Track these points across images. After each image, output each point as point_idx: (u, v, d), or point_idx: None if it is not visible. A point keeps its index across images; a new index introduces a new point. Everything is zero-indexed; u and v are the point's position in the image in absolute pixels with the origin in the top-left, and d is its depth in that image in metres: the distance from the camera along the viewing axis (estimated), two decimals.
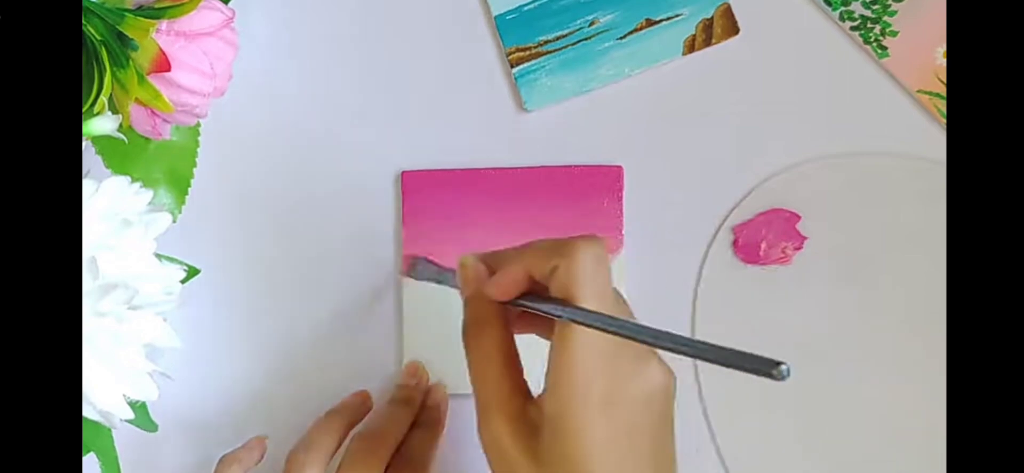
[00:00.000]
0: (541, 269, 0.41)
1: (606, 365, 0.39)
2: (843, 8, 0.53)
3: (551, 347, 0.40)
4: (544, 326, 0.44)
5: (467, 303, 0.44)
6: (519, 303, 0.42)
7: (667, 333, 0.38)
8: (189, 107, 0.45)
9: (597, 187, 0.53)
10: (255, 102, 0.55)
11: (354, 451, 0.49)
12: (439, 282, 0.51)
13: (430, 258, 0.53)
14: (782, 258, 0.53)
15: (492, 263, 0.44)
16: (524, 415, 0.41)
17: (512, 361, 0.43)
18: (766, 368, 0.33)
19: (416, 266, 0.53)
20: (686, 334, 0.53)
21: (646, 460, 0.40)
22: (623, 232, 0.53)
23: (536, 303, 0.41)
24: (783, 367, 0.33)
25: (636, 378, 0.40)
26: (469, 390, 0.53)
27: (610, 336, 0.39)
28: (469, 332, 0.43)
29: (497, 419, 0.41)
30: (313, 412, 0.52)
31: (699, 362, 0.53)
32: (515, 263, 0.42)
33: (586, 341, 0.39)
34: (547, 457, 0.40)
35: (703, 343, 0.37)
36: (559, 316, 0.39)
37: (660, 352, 0.40)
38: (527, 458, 0.40)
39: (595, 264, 0.40)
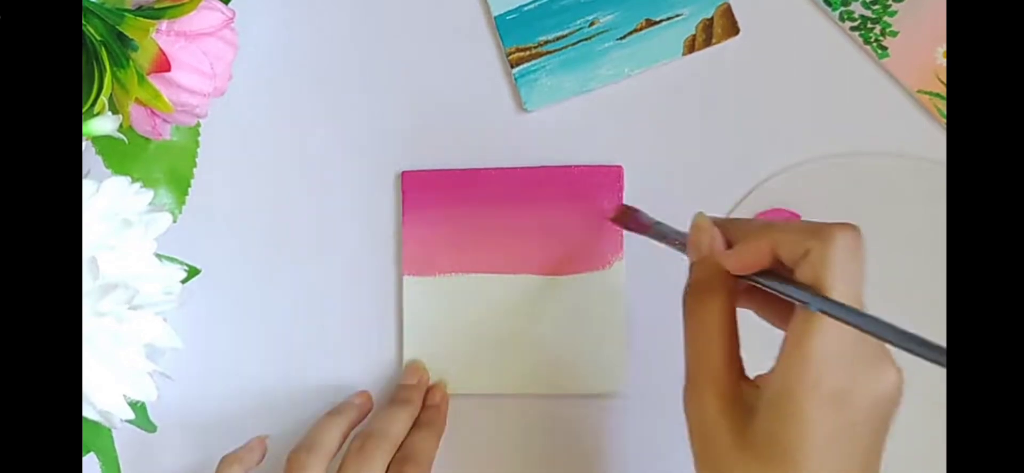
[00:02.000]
0: (791, 250, 0.40)
1: (846, 361, 0.38)
2: (843, 8, 0.53)
3: (788, 330, 0.39)
4: (767, 307, 0.43)
5: (695, 265, 0.43)
6: (757, 280, 0.41)
7: (917, 337, 0.37)
8: (189, 107, 0.45)
9: (597, 187, 0.53)
10: (255, 102, 0.55)
11: (355, 451, 0.49)
12: (657, 237, 0.49)
13: (640, 211, 0.51)
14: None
15: (729, 231, 0.43)
16: (737, 393, 0.40)
17: (733, 334, 0.42)
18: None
19: (630, 215, 0.52)
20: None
21: (858, 462, 0.39)
22: (623, 232, 0.53)
23: (779, 284, 0.40)
24: None
25: (870, 379, 0.39)
26: (470, 390, 0.54)
27: (853, 333, 0.38)
28: (693, 295, 0.42)
29: (709, 391, 0.40)
30: (313, 412, 0.52)
31: None
32: (761, 237, 0.41)
33: (829, 331, 0.38)
34: (757, 439, 0.39)
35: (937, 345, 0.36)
36: (805, 303, 0.38)
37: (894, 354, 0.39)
38: (733, 437, 0.39)
39: (851, 254, 0.39)
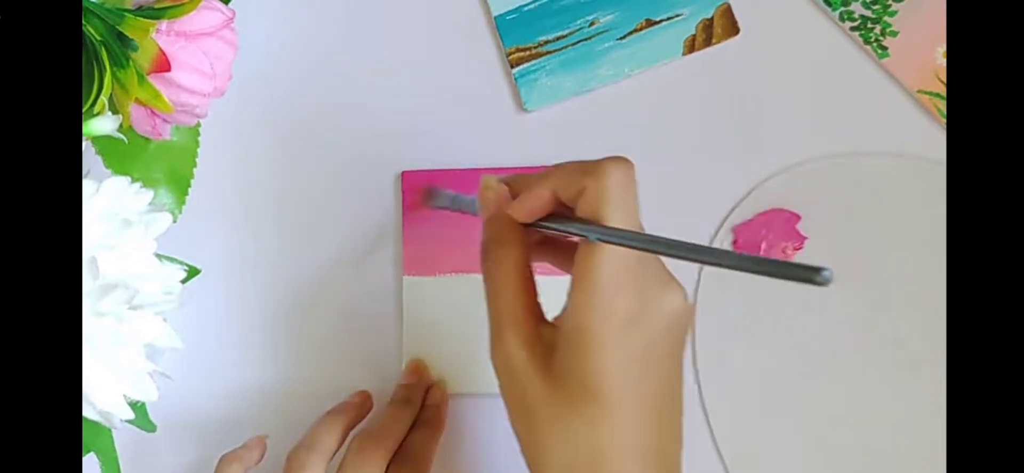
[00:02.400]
0: (568, 190, 0.41)
1: (632, 284, 0.39)
2: (843, 8, 0.53)
3: (575, 266, 0.40)
4: (559, 255, 0.44)
5: (487, 223, 0.44)
6: (544, 225, 0.42)
7: (702, 246, 0.38)
8: (189, 107, 0.45)
9: None
10: (255, 102, 0.55)
11: (355, 451, 0.49)
12: (455, 208, 0.51)
13: (439, 186, 0.53)
14: (782, 258, 0.53)
15: (514, 186, 0.44)
16: (539, 335, 0.41)
17: (529, 283, 0.43)
18: (807, 275, 0.33)
19: (432, 194, 0.53)
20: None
21: (659, 383, 0.40)
22: None
23: (561, 223, 0.41)
24: (825, 272, 0.33)
25: (659, 300, 0.40)
26: (470, 390, 0.54)
27: (636, 257, 0.39)
28: (488, 252, 0.43)
29: (512, 338, 0.41)
30: (313, 412, 0.52)
31: (695, 363, 0.53)
32: (542, 184, 0.42)
33: (613, 259, 0.39)
34: (562, 373, 0.40)
35: (740, 254, 0.37)
36: (586, 235, 0.39)
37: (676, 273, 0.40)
38: (540, 376, 0.40)
39: (624, 183, 0.40)
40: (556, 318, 0.42)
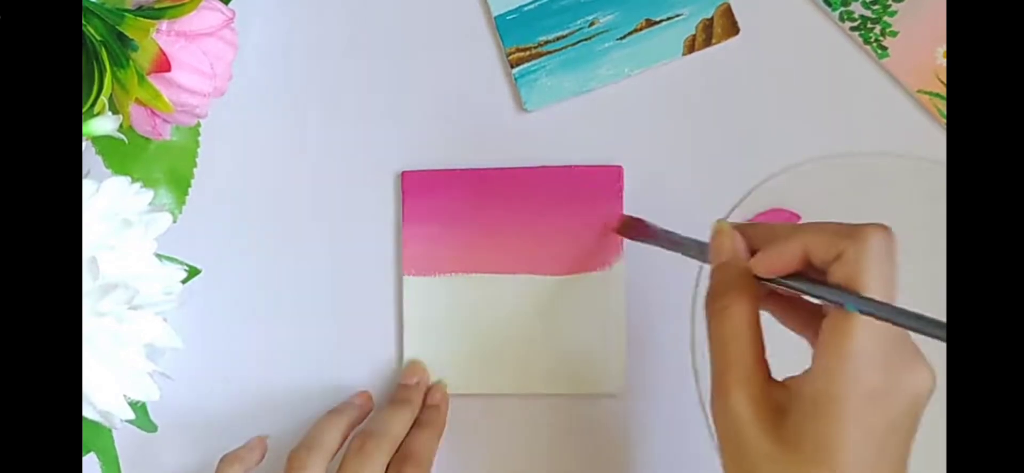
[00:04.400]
0: (823, 252, 0.40)
1: (882, 359, 0.38)
2: (843, 8, 0.53)
3: (824, 331, 0.39)
4: (789, 309, 0.43)
5: (718, 269, 0.43)
6: (787, 283, 0.41)
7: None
8: (189, 107, 0.45)
9: (597, 187, 0.53)
10: (255, 102, 0.55)
11: (355, 450, 0.49)
12: (668, 246, 0.49)
13: (646, 221, 0.51)
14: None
15: (752, 235, 0.43)
16: (767, 394, 0.40)
17: (758, 337, 0.42)
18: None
19: (636, 227, 0.51)
20: (686, 334, 0.53)
21: (894, 461, 0.39)
22: None
23: (813, 286, 0.40)
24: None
25: (906, 378, 0.39)
26: (470, 390, 0.54)
27: (888, 331, 0.38)
28: (716, 300, 0.42)
29: (738, 394, 0.40)
30: (313, 412, 0.52)
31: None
32: (792, 241, 0.41)
33: (866, 331, 0.38)
34: (795, 437, 0.39)
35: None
36: (841, 304, 0.38)
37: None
38: (768, 438, 0.39)
39: (885, 255, 0.39)
40: (789, 380, 0.41)
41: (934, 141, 0.53)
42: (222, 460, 0.50)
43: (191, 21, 0.44)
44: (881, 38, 0.53)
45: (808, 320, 0.42)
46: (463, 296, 0.54)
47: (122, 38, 0.43)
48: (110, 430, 0.49)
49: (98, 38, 0.44)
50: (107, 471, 0.49)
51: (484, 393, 0.54)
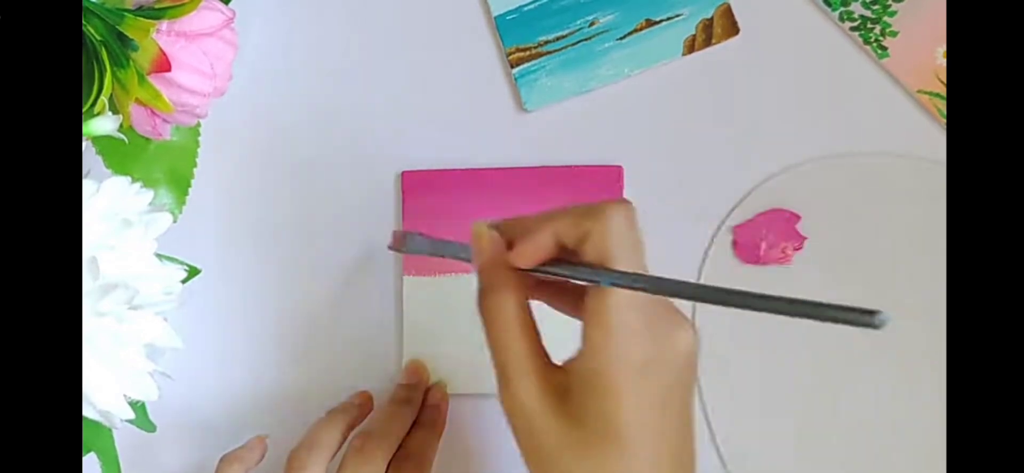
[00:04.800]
0: (572, 235, 0.41)
1: (645, 328, 0.39)
2: (843, 8, 0.53)
3: (586, 310, 0.40)
4: (557, 294, 0.44)
5: (482, 270, 0.44)
6: (546, 270, 0.42)
7: (716, 288, 0.38)
8: (189, 107, 0.45)
9: (597, 187, 0.53)
10: (255, 102, 0.55)
11: (356, 450, 0.49)
12: (435, 253, 0.49)
13: (422, 232, 0.51)
14: (782, 258, 0.53)
15: (507, 231, 0.44)
16: (549, 379, 0.41)
17: (531, 326, 0.42)
18: (860, 319, 0.33)
19: (406, 240, 0.51)
20: None
21: (676, 422, 0.40)
22: None
23: (568, 269, 0.41)
24: (881, 315, 0.32)
25: (671, 341, 0.40)
26: (470, 390, 0.54)
27: (646, 299, 0.39)
28: (487, 299, 0.43)
29: (521, 384, 0.41)
30: (313, 412, 0.52)
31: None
32: (541, 230, 0.42)
33: (625, 304, 0.39)
34: (580, 416, 0.40)
35: (766, 296, 0.36)
36: (597, 281, 0.39)
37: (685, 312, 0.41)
38: (556, 420, 0.40)
39: (628, 225, 0.40)
40: (566, 362, 0.41)
41: (934, 141, 0.53)
42: (222, 460, 0.50)
43: (191, 21, 0.44)
44: (881, 38, 0.53)
45: (576, 302, 0.42)
46: (463, 296, 0.54)
47: (122, 38, 0.43)
48: (110, 430, 0.49)
49: (98, 38, 0.44)
50: (107, 471, 0.49)
51: (484, 393, 0.54)
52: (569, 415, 0.40)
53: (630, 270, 0.39)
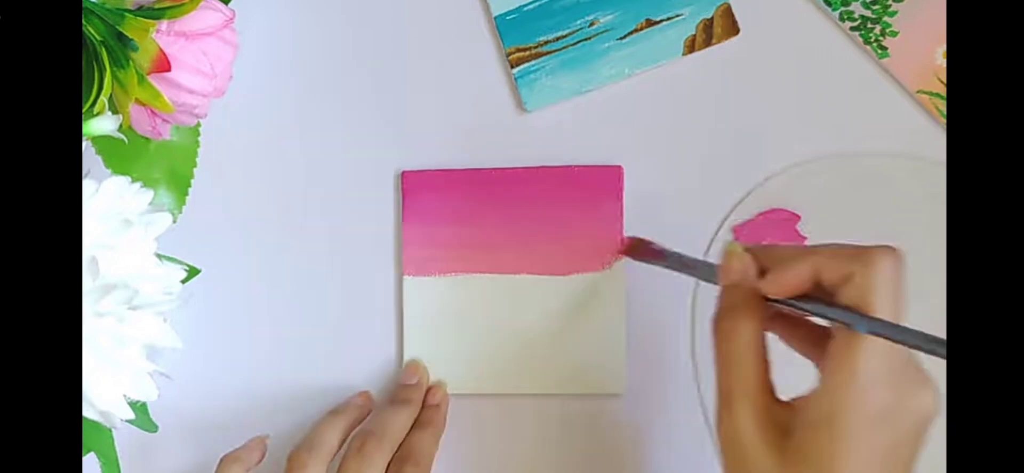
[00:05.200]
0: (833, 274, 0.40)
1: (889, 379, 0.39)
2: (843, 8, 0.53)
3: (831, 352, 0.40)
4: (794, 330, 0.44)
5: (726, 289, 0.44)
6: (796, 304, 0.42)
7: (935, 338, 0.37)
8: (189, 107, 0.45)
9: (597, 187, 0.53)
10: (255, 102, 0.55)
11: (356, 450, 0.49)
12: (678, 269, 0.49)
13: (653, 242, 0.51)
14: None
15: (761, 256, 0.43)
16: (771, 412, 0.41)
17: (764, 357, 0.42)
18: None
19: (647, 249, 0.51)
20: (686, 335, 0.53)
21: None
22: (623, 232, 0.53)
23: (822, 307, 0.41)
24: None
25: (912, 398, 0.39)
26: (470, 390, 0.54)
27: (896, 352, 0.39)
28: (724, 319, 0.43)
29: (744, 411, 0.41)
30: (314, 412, 0.52)
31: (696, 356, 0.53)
32: (802, 262, 0.41)
33: (874, 352, 0.39)
34: (799, 457, 0.39)
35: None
36: (850, 324, 0.39)
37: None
38: (772, 455, 0.40)
39: (895, 274, 0.40)
40: (794, 400, 0.41)
41: (934, 141, 0.53)
42: (222, 460, 0.50)
43: (191, 21, 0.44)
44: (881, 38, 0.53)
45: (813, 341, 0.42)
46: (463, 296, 0.54)
47: (122, 38, 0.43)
48: (110, 430, 0.49)
49: (98, 38, 0.44)
50: (107, 471, 0.49)
51: (484, 393, 0.54)
52: (787, 453, 0.40)
53: (890, 317, 0.39)
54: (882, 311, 0.39)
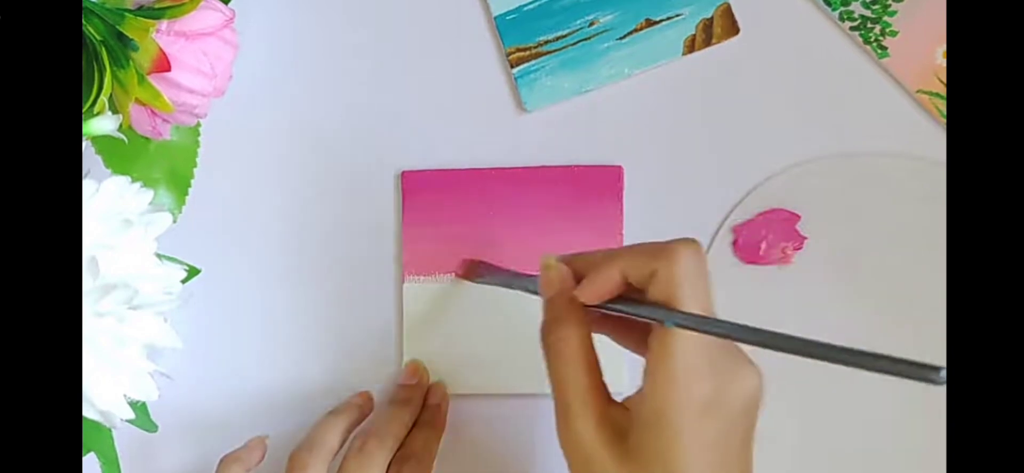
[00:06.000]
0: (638, 273, 0.41)
1: (709, 369, 0.39)
2: (843, 8, 0.53)
3: (649, 350, 0.40)
4: (622, 329, 0.44)
5: (548, 303, 0.44)
6: (612, 307, 0.42)
7: (782, 335, 0.38)
8: (189, 107, 0.45)
9: (597, 187, 0.53)
10: (255, 102, 0.55)
11: (357, 450, 0.49)
12: (507, 286, 0.50)
13: (486, 261, 0.53)
14: (782, 258, 0.53)
15: (576, 265, 0.44)
16: (608, 415, 0.41)
17: (594, 362, 0.43)
18: (920, 374, 0.33)
19: (477, 270, 0.53)
20: None
21: (735, 463, 0.40)
22: (623, 232, 0.53)
23: (633, 307, 0.41)
24: (941, 372, 0.33)
25: (735, 382, 0.40)
26: (470, 390, 0.54)
27: (711, 341, 0.39)
28: (550, 332, 0.43)
29: (581, 419, 0.41)
30: (314, 412, 0.52)
31: None
32: (609, 266, 0.42)
33: (689, 345, 0.39)
34: (639, 456, 0.40)
35: (835, 347, 0.36)
36: (661, 321, 0.39)
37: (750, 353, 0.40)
38: (615, 458, 0.40)
39: (697, 267, 0.40)
40: (627, 399, 0.42)
41: (934, 141, 0.53)
42: (222, 460, 0.50)
43: (191, 21, 0.44)
44: (881, 38, 0.53)
45: (640, 338, 0.43)
46: (463, 296, 0.54)
47: (122, 38, 0.43)
48: (110, 430, 0.49)
49: (98, 38, 0.44)
50: (107, 471, 0.49)
51: (484, 393, 0.54)
52: (627, 453, 0.40)
53: (696, 309, 0.39)
54: (687, 304, 0.39)
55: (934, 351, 0.51)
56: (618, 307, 0.42)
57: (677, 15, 0.54)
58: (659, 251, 0.40)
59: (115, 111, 0.44)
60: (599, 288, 0.42)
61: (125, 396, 0.41)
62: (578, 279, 0.43)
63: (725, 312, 0.53)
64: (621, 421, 0.41)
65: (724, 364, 0.40)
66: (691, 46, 0.54)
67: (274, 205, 0.55)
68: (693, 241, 0.41)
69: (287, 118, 0.55)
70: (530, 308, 0.53)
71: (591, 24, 0.54)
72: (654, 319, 0.40)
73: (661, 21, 0.54)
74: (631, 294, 0.42)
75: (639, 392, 0.41)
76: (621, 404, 0.42)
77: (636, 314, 0.41)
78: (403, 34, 0.55)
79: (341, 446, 0.50)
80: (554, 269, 0.44)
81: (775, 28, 0.54)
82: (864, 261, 0.53)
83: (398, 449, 0.50)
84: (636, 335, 0.43)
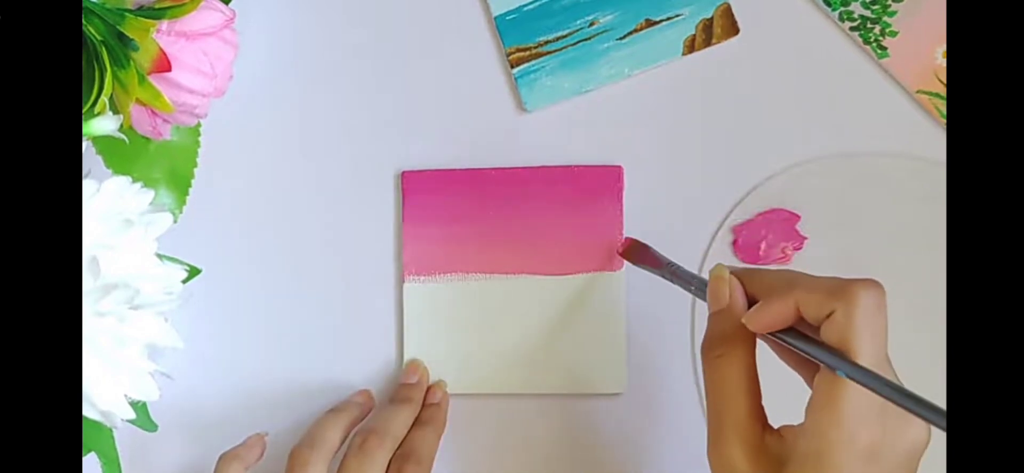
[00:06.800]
0: (815, 310, 0.40)
1: (876, 417, 0.38)
2: (843, 8, 0.53)
3: (816, 388, 0.39)
4: (783, 349, 0.43)
5: (715, 317, 0.43)
6: (785, 340, 0.41)
7: (934, 405, 0.37)
8: (189, 107, 0.45)
9: (597, 187, 0.53)
10: (255, 102, 0.55)
11: (357, 448, 0.49)
12: (670, 279, 0.49)
13: (651, 248, 0.51)
14: (782, 258, 0.53)
15: (748, 282, 0.43)
16: (762, 444, 0.41)
17: (754, 385, 0.42)
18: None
19: (639, 253, 0.51)
20: (686, 335, 0.53)
21: None
22: (623, 232, 0.53)
23: (804, 345, 0.40)
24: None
25: (901, 435, 0.39)
26: (470, 390, 0.54)
27: None
28: (712, 348, 0.42)
29: (734, 443, 0.41)
30: (314, 411, 0.52)
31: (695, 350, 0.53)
32: (785, 297, 0.40)
33: (857, 392, 0.38)
34: None
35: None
36: (833, 367, 0.38)
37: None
38: None
39: (875, 312, 0.39)
40: (785, 430, 0.41)
41: (934, 141, 0.53)
42: (221, 458, 0.50)
43: (191, 21, 0.44)
44: (881, 38, 0.53)
45: (803, 362, 0.42)
46: (463, 296, 0.54)
47: (122, 38, 0.43)
48: (110, 430, 0.49)
49: (98, 38, 0.44)
50: (107, 471, 0.49)
51: (484, 393, 0.54)
52: None
53: (871, 360, 0.38)
54: (863, 354, 0.38)
55: (934, 351, 0.51)
56: (790, 341, 0.41)
57: (677, 15, 0.54)
58: (839, 291, 0.39)
59: (115, 111, 0.44)
60: (771, 320, 0.41)
61: (126, 396, 0.41)
62: (750, 299, 0.42)
63: None
64: (777, 451, 0.40)
65: (892, 414, 0.39)
66: (691, 46, 0.54)
67: (274, 205, 0.55)
68: (875, 283, 0.39)
69: (287, 118, 0.55)
70: (530, 308, 0.53)
71: (591, 24, 0.54)
72: (826, 363, 0.39)
73: (661, 21, 0.54)
74: (802, 327, 0.41)
75: (801, 426, 0.40)
76: (779, 433, 0.41)
77: (808, 354, 0.40)
78: (403, 34, 0.55)
79: (342, 444, 0.50)
80: (726, 283, 0.43)
81: (775, 28, 0.54)
82: (864, 261, 0.53)
83: (399, 447, 0.50)
84: (799, 358, 0.42)
